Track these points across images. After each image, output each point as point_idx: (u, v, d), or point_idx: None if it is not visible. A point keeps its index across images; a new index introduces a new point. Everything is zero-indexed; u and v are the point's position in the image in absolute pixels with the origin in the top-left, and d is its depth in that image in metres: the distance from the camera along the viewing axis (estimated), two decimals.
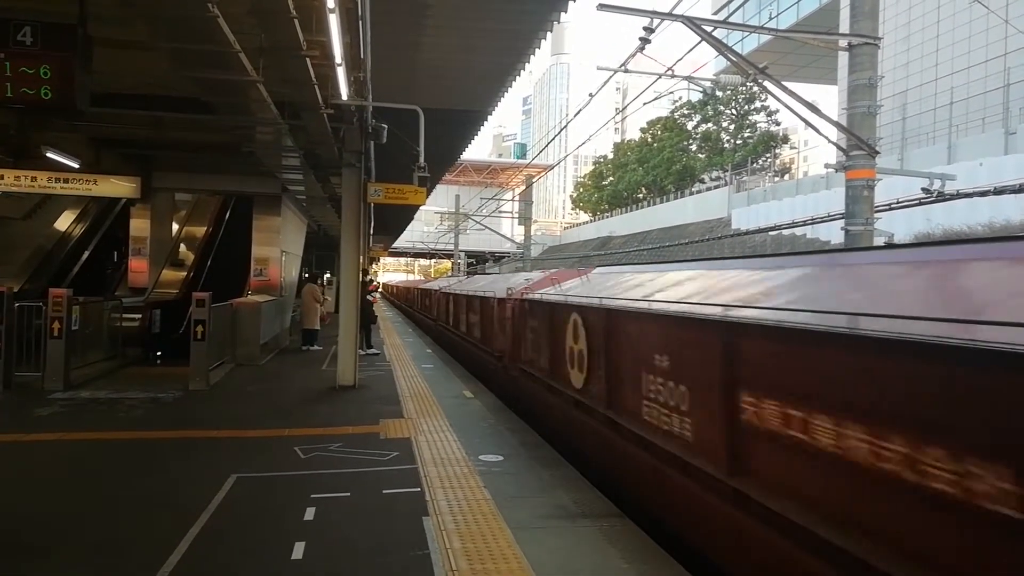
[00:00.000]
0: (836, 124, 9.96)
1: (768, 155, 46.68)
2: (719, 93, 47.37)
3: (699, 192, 45.12)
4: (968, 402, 2.36)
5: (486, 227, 37.80)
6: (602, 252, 46.37)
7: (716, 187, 43.08)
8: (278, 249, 15.63)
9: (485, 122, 15.26)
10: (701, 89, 43.69)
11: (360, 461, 6.20)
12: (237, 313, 12.69)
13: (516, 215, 43.33)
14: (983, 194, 11.21)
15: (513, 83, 12.21)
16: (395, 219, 30.48)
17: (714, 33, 9.55)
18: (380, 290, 57.22)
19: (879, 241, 9.85)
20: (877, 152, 9.09)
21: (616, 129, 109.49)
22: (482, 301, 12.43)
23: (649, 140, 57.90)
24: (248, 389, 10.20)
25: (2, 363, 9.25)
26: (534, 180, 34.08)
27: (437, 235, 51.72)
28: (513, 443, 6.96)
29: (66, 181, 12.40)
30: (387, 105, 10.20)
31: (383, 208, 18.28)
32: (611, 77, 12.32)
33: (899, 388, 2.67)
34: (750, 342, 3.72)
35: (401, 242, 49.76)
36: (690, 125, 53.19)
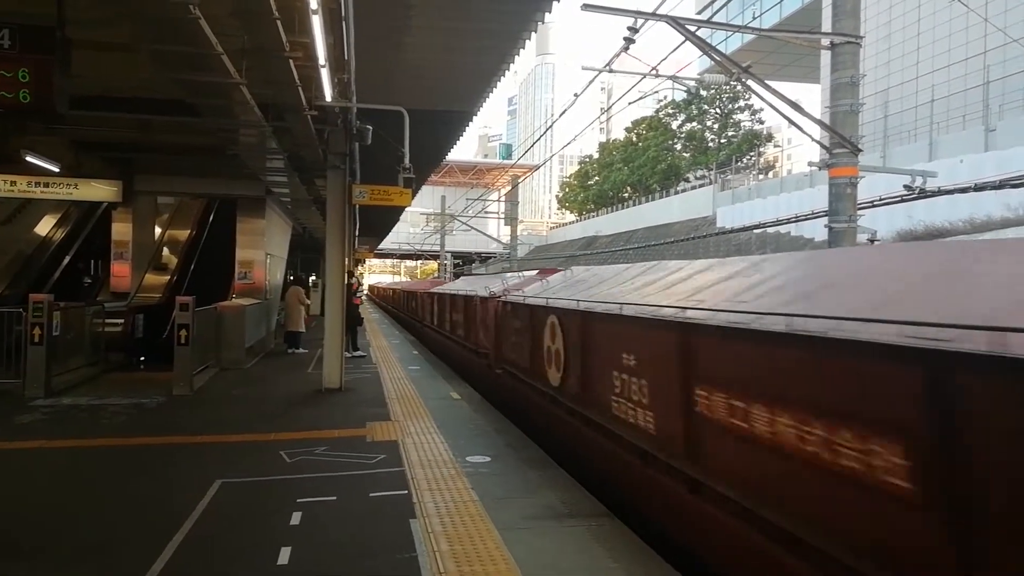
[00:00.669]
0: (819, 122, 10.03)
1: (752, 153, 46.97)
2: (703, 92, 47.59)
3: (684, 191, 45.32)
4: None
5: (472, 228, 37.76)
6: (588, 252, 46.46)
7: (701, 186, 43.30)
8: (263, 252, 15.53)
9: (470, 123, 15.22)
10: (685, 88, 43.88)
11: (346, 464, 6.16)
12: (221, 317, 12.58)
13: (502, 215, 43.34)
14: (964, 191, 11.32)
15: (498, 83, 12.18)
16: (381, 221, 30.37)
17: (698, 33, 9.58)
18: (366, 291, 57.04)
19: (862, 238, 9.93)
20: (860, 150, 9.16)
21: (601, 129, 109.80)
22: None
23: (634, 139, 58.13)
24: (233, 393, 10.13)
25: None
26: (520, 180, 34.07)
27: (423, 236, 51.59)
28: (500, 444, 6.95)
29: (46, 185, 12.28)
30: (371, 106, 10.16)
31: (368, 210, 18.18)
32: (596, 77, 12.34)
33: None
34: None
35: (387, 243, 49.59)
36: (675, 124, 53.41)
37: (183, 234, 17.77)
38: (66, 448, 6.73)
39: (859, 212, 9.35)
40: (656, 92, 40.21)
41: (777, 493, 3.25)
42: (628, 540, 4.36)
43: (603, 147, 69.11)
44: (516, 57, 10.73)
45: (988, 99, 24.03)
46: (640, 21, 9.67)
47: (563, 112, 14.73)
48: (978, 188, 11.11)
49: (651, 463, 4.60)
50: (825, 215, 9.69)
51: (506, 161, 79.00)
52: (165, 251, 17.19)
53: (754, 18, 37.92)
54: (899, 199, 10.98)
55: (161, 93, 9.06)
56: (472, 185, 61.80)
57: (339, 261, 10.56)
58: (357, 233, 24.90)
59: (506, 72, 11.55)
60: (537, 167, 40.45)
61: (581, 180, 68.05)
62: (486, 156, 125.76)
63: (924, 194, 10.46)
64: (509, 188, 46.15)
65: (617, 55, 10.66)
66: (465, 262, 59.45)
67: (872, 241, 10.15)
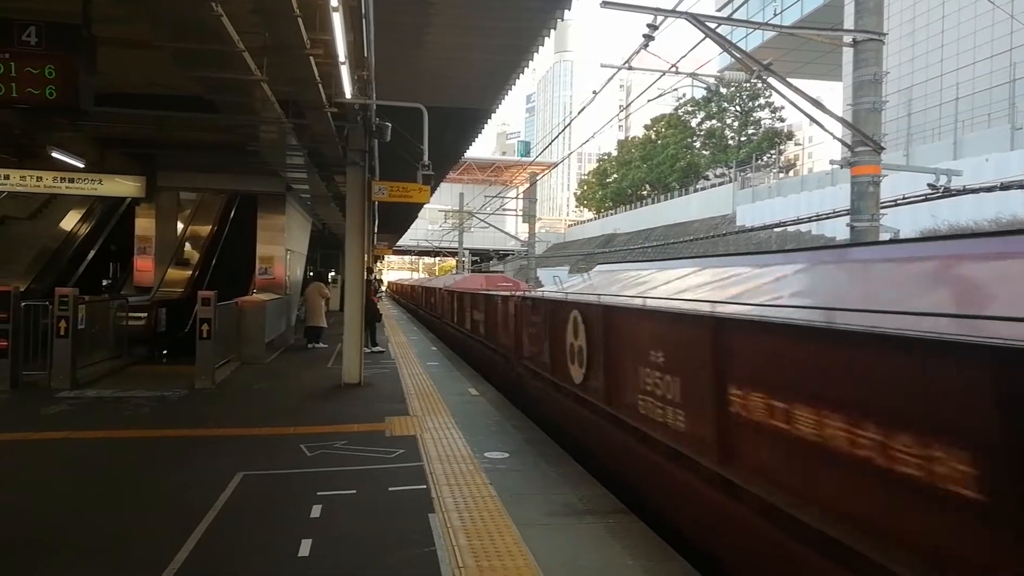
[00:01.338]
0: (841, 120, 9.93)
1: (773, 152, 46.58)
2: (723, 90, 47.26)
3: (703, 189, 45.05)
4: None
5: (490, 225, 37.78)
6: (606, 249, 46.32)
7: (720, 184, 43.00)
8: (283, 248, 15.65)
9: (489, 120, 15.23)
10: (705, 86, 43.58)
11: (366, 459, 6.21)
12: (242, 312, 12.71)
13: (520, 213, 43.32)
14: (989, 190, 11.15)
15: (517, 81, 12.17)
16: (399, 217, 30.48)
17: (718, 29, 9.52)
18: (384, 289, 57.25)
19: (884, 238, 9.82)
20: (882, 148, 9.05)
21: (620, 126, 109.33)
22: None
23: (653, 137, 57.87)
24: (254, 387, 10.23)
25: (9, 362, 9.29)
26: (538, 178, 34.01)
27: (441, 233, 51.74)
28: (519, 440, 6.97)
29: (71, 181, 12.44)
30: (391, 103, 10.19)
31: (387, 206, 18.29)
32: (615, 74, 12.30)
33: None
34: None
35: (405, 240, 49.78)
36: (694, 122, 53.10)
37: (205, 230, 17.95)
38: (90, 439, 6.84)
39: (882, 211, 9.25)
40: (675, 89, 39.97)
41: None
42: (647, 538, 4.35)
43: (622, 145, 68.89)
44: (535, 54, 10.73)
45: (1014, 97, 23.66)
46: (660, 18, 9.64)
47: (582, 109, 14.71)
48: (1004, 187, 10.94)
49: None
50: (847, 214, 9.60)
51: (524, 158, 78.90)
52: (187, 246, 17.38)
53: (775, 15, 37.62)
54: (923, 198, 10.84)
55: (183, 90, 9.16)
56: (490, 182, 61.77)
57: (358, 257, 10.62)
58: (376, 230, 25.02)
59: (525, 69, 11.55)
60: (555, 165, 40.39)
61: (600, 178, 67.91)
62: (504, 153, 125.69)
63: (948, 193, 10.32)
64: (527, 185, 46.11)
65: (636, 52, 10.62)
66: (483, 259, 59.53)
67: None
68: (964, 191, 10.55)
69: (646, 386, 4.99)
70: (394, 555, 4.06)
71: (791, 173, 45.27)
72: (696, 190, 45.81)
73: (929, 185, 10.40)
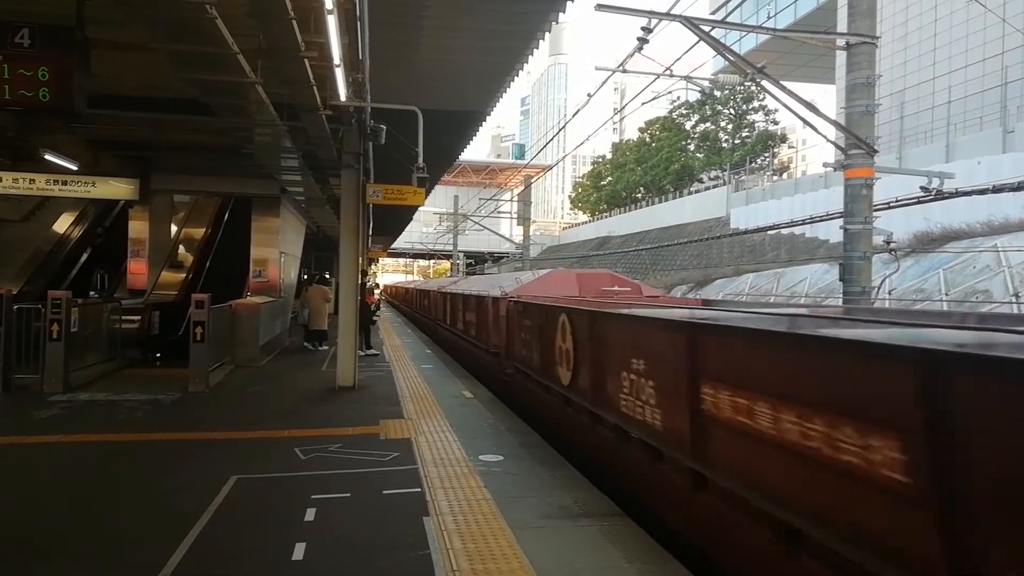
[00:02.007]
0: (834, 123, 9.98)
1: (767, 154, 46.72)
2: (717, 93, 47.39)
3: (697, 192, 45.14)
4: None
5: (485, 228, 37.79)
6: (601, 252, 46.37)
7: (714, 186, 43.11)
8: (277, 250, 15.63)
9: (483, 123, 15.24)
10: (699, 89, 43.70)
11: (360, 462, 6.20)
12: (236, 314, 12.68)
13: (515, 215, 43.34)
14: (981, 192, 11.21)
15: (511, 83, 12.19)
16: (394, 220, 30.45)
17: (712, 33, 9.55)
18: (378, 293, 57.11)
19: (878, 239, 9.87)
20: (875, 151, 9.10)
21: (614, 129, 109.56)
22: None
23: (647, 140, 57.95)
24: (248, 390, 10.20)
25: (1, 365, 9.24)
26: (533, 180, 34.05)
27: (436, 236, 51.69)
28: (513, 443, 6.97)
29: (64, 183, 12.40)
30: (385, 106, 10.20)
31: (382, 209, 18.24)
32: (609, 77, 12.34)
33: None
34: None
35: (400, 243, 49.71)
36: (688, 125, 53.22)
37: (199, 232, 17.91)
38: (83, 443, 6.81)
39: (875, 214, 9.30)
40: (670, 92, 40.05)
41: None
42: (641, 540, 4.36)
43: (616, 147, 68.99)
44: (530, 57, 10.74)
45: (1006, 100, 23.80)
46: (654, 21, 9.67)
47: (576, 112, 14.73)
48: (996, 190, 11.00)
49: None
50: (840, 216, 9.64)
51: (519, 161, 78.96)
52: (181, 249, 17.33)
53: (769, 18, 37.72)
54: (916, 200, 10.90)
55: (177, 92, 9.13)
56: (485, 185, 61.82)
57: (353, 260, 10.61)
58: (371, 232, 25.00)
59: (520, 72, 11.56)
60: (550, 167, 40.44)
61: (594, 180, 67.93)
62: (499, 156, 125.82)
63: (941, 196, 10.37)
64: (522, 188, 46.11)
65: (631, 55, 10.65)
66: (478, 262, 59.48)
67: (888, 243, 10.08)
68: (956, 194, 10.60)
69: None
70: (388, 558, 4.06)
71: (785, 176, 45.40)
72: (690, 193, 45.89)
73: (922, 188, 10.45)
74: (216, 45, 6.21)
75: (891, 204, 11.34)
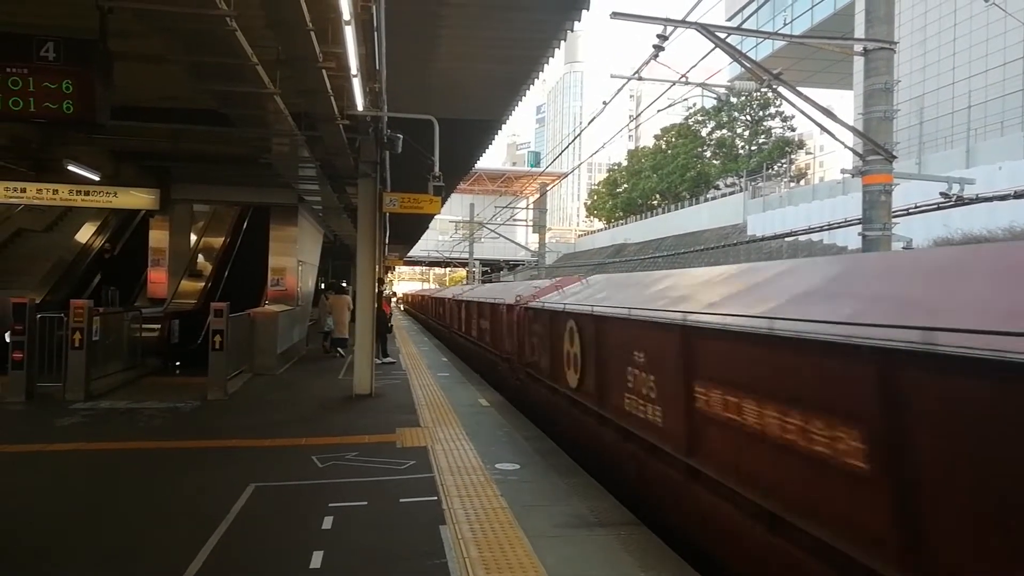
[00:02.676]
0: (852, 129, 9.89)
1: (783, 161, 46.43)
2: (733, 99, 47.21)
3: (714, 199, 44.92)
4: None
5: (500, 235, 37.83)
6: (616, 260, 46.26)
7: (731, 193, 42.88)
8: (295, 259, 15.74)
9: (499, 131, 15.26)
10: (715, 96, 43.58)
11: (377, 470, 6.21)
12: (255, 323, 12.77)
13: (530, 223, 43.36)
14: (1003, 198, 11.07)
15: (527, 92, 12.21)
16: (410, 228, 30.55)
17: (728, 39, 9.53)
18: (396, 300, 57.30)
19: (897, 246, 9.76)
20: (894, 157, 9.01)
21: (630, 136, 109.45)
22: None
23: (663, 147, 57.80)
24: (266, 398, 10.26)
25: (24, 374, 9.37)
26: (548, 188, 34.05)
27: (452, 244, 51.85)
28: (529, 451, 6.95)
29: (87, 193, 12.56)
30: (402, 115, 10.25)
31: (398, 217, 18.31)
32: (625, 85, 12.32)
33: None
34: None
35: (416, 251, 49.87)
36: (704, 131, 53.03)
37: (218, 241, 18.08)
38: (103, 451, 6.88)
39: (894, 220, 9.20)
40: (686, 100, 40.05)
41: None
42: (658, 550, 4.33)
43: (632, 154, 68.85)
44: (545, 65, 10.76)
45: None
46: (669, 28, 9.65)
47: (592, 120, 14.74)
48: (1018, 195, 10.86)
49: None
50: (858, 223, 9.55)
51: (534, 169, 79.08)
52: (200, 258, 17.50)
53: (785, 24, 37.60)
54: (935, 207, 10.77)
55: (197, 103, 9.25)
56: (500, 193, 61.91)
57: (370, 268, 10.66)
58: (387, 241, 25.11)
59: (535, 80, 11.58)
60: (565, 175, 40.46)
61: (610, 188, 67.80)
62: (514, 164, 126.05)
63: (961, 201, 10.25)
64: (537, 196, 46.12)
65: (646, 63, 10.63)
66: (493, 270, 59.56)
67: (907, 250, 9.97)
68: (977, 199, 10.48)
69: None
70: (405, 567, 4.06)
71: (802, 182, 45.07)
72: (707, 200, 45.67)
73: (942, 194, 10.33)
74: (235, 56, 6.28)
75: (910, 210, 11.22)
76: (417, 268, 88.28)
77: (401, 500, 5.31)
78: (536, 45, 9.91)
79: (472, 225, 41.32)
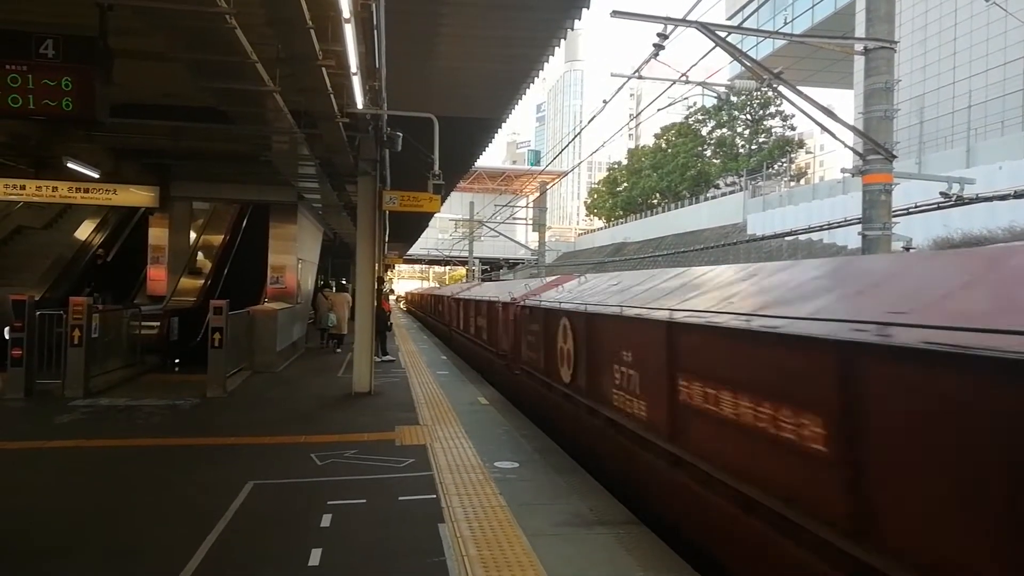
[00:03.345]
0: (852, 128, 9.88)
1: (784, 160, 46.41)
2: (734, 98, 47.18)
3: (714, 198, 44.90)
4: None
5: (500, 234, 37.80)
6: (616, 258, 46.24)
7: (731, 192, 42.86)
8: (294, 257, 15.73)
9: (499, 129, 15.26)
10: (716, 95, 43.55)
11: (376, 468, 6.22)
12: (254, 320, 12.77)
13: (530, 222, 43.30)
14: (1003, 198, 11.05)
15: (527, 90, 12.20)
16: (410, 226, 30.55)
17: (728, 38, 9.52)
18: (395, 297, 57.29)
19: (896, 246, 9.76)
20: (894, 156, 9.00)
21: (630, 135, 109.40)
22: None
23: (663, 146, 57.76)
24: (265, 396, 10.27)
25: (23, 370, 9.37)
26: (548, 187, 34.04)
27: (452, 242, 51.80)
28: (528, 449, 6.96)
29: (86, 191, 12.54)
30: (402, 113, 10.25)
31: (398, 216, 18.31)
32: (625, 83, 12.30)
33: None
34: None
35: (416, 249, 49.89)
36: (704, 130, 53.01)
37: (217, 239, 18.07)
38: (102, 448, 6.88)
39: (894, 219, 9.19)
40: (686, 98, 40.01)
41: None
42: (657, 549, 4.34)
43: (632, 153, 68.81)
44: (545, 64, 10.75)
45: None
46: (670, 27, 9.64)
47: (592, 118, 14.72)
48: (1018, 195, 10.85)
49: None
50: (858, 222, 9.54)
51: (534, 167, 79.05)
52: (200, 255, 17.49)
53: (785, 23, 37.57)
54: (935, 206, 10.76)
55: (196, 101, 9.24)
56: (500, 191, 61.89)
57: (369, 266, 10.66)
58: (387, 239, 25.11)
59: (535, 79, 11.57)
60: (565, 173, 40.45)
61: (610, 186, 67.77)
62: (514, 162, 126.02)
63: (961, 201, 10.24)
64: (537, 194, 46.09)
65: (647, 61, 10.61)
66: (493, 268, 59.56)
67: (907, 249, 9.97)
68: (977, 199, 10.46)
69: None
70: (404, 565, 4.06)
71: (802, 181, 45.06)
72: (707, 199, 45.65)
73: (942, 193, 10.32)
74: (235, 54, 6.28)
75: (910, 210, 11.20)
76: (417, 266, 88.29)
77: (400, 498, 5.31)
78: (536, 44, 9.90)
79: (472, 223, 41.29)
